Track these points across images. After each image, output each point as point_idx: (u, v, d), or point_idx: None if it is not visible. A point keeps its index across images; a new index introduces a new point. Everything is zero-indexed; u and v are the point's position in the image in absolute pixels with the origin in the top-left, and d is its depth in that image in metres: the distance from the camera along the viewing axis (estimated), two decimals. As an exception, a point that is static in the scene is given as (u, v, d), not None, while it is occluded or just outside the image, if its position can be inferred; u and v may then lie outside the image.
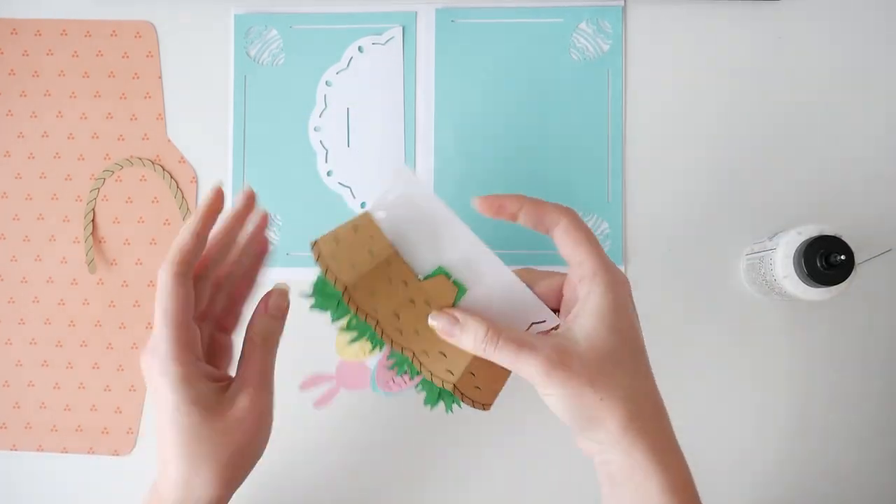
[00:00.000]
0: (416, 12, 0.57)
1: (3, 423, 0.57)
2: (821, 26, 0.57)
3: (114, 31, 0.58)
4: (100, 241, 0.57)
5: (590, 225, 0.56)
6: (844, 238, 0.47)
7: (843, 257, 0.47)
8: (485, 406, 0.45)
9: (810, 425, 0.55)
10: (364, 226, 0.43)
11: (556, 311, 0.45)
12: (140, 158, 0.57)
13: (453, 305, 0.44)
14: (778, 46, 0.57)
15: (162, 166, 0.57)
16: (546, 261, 0.55)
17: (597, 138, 0.56)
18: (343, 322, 0.44)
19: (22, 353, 0.57)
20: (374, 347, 0.44)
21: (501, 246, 0.46)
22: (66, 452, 0.57)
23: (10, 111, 0.58)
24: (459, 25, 0.57)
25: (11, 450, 0.57)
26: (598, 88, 0.57)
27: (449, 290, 0.44)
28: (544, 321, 0.44)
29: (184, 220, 0.57)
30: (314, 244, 0.43)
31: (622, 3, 0.57)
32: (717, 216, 0.56)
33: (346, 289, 0.42)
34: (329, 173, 0.57)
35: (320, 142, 0.57)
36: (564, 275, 0.44)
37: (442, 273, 0.44)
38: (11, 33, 0.58)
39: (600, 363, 0.39)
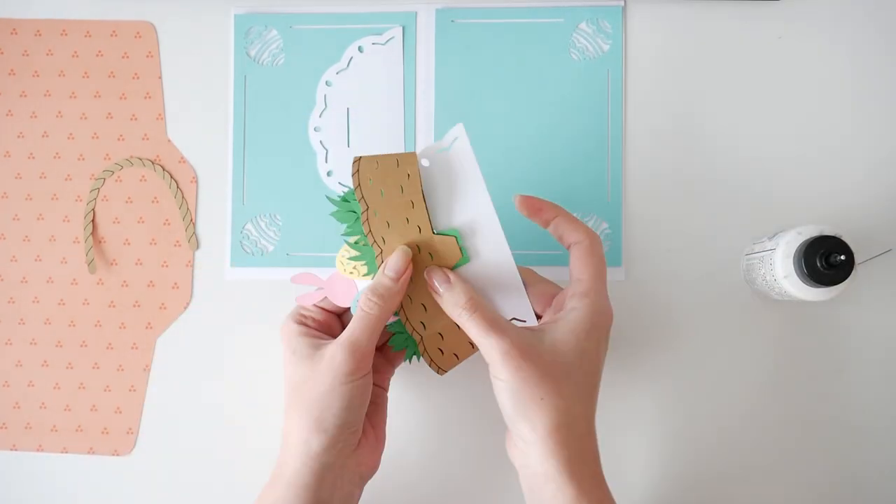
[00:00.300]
0: (416, 12, 0.57)
1: (3, 423, 0.57)
2: (821, 26, 0.57)
3: (114, 31, 0.58)
4: (100, 241, 0.57)
5: (589, 225, 0.56)
6: (844, 238, 0.47)
7: (843, 257, 0.47)
8: (440, 370, 0.48)
9: (810, 425, 0.55)
10: (406, 163, 0.46)
11: (539, 316, 0.47)
12: (140, 158, 0.57)
13: (452, 269, 0.46)
14: (778, 46, 0.57)
15: (162, 166, 0.57)
16: (542, 260, 0.55)
17: (597, 138, 0.56)
18: (352, 239, 0.47)
19: (22, 353, 0.57)
20: (368, 273, 0.47)
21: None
22: (66, 452, 0.57)
23: (10, 111, 0.58)
24: (459, 25, 0.57)
25: (11, 450, 0.57)
26: (598, 88, 0.57)
27: (454, 253, 0.46)
28: (524, 321, 0.47)
29: (183, 220, 0.57)
30: (357, 159, 0.46)
31: (622, 3, 0.57)
32: (717, 216, 0.56)
33: (367, 209, 0.46)
34: (329, 173, 0.57)
35: (320, 142, 0.57)
36: (560, 288, 0.47)
37: (455, 235, 0.46)
38: (11, 33, 0.58)
39: (554, 368, 0.42)
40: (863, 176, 0.56)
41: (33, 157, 0.58)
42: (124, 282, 0.57)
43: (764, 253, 0.52)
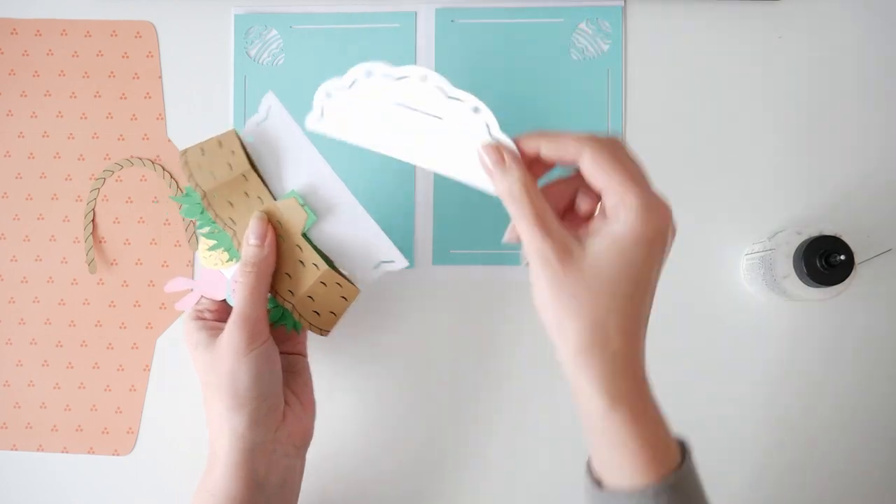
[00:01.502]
0: (415, 12, 0.57)
1: (3, 423, 0.57)
2: (821, 26, 0.57)
3: (114, 31, 0.58)
4: (100, 241, 0.57)
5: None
6: (844, 238, 0.48)
7: (843, 257, 0.47)
8: (322, 331, 0.49)
9: (810, 425, 0.55)
10: (228, 141, 0.47)
11: (562, 216, 0.42)
12: (140, 158, 0.57)
13: (304, 232, 0.47)
14: (778, 46, 0.57)
15: (162, 166, 0.57)
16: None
17: (597, 138, 0.56)
18: (205, 230, 0.48)
19: (22, 353, 0.57)
20: (230, 258, 0.48)
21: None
22: (66, 452, 0.57)
23: (10, 111, 0.58)
24: (459, 25, 0.57)
25: (11, 450, 0.57)
26: (598, 88, 0.57)
27: (299, 214, 0.47)
28: (393, 262, 0.48)
29: (183, 220, 0.57)
30: (182, 153, 0.48)
31: (622, 3, 0.57)
32: (717, 216, 0.56)
33: (204, 195, 0.47)
34: (329, 173, 0.57)
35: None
36: (580, 177, 0.41)
37: (294, 197, 0.47)
38: (11, 33, 0.58)
39: (591, 279, 0.38)
40: (863, 176, 0.56)
41: (33, 157, 0.58)
42: (124, 282, 0.57)
43: (764, 253, 0.52)
